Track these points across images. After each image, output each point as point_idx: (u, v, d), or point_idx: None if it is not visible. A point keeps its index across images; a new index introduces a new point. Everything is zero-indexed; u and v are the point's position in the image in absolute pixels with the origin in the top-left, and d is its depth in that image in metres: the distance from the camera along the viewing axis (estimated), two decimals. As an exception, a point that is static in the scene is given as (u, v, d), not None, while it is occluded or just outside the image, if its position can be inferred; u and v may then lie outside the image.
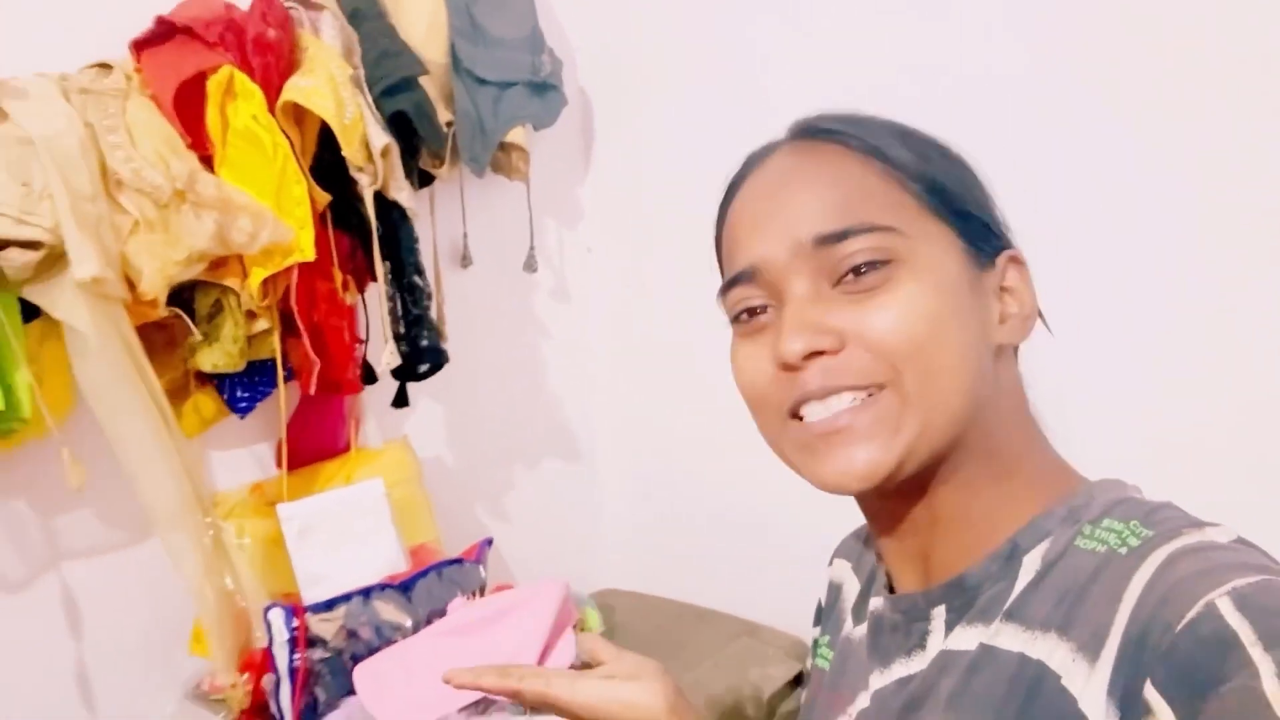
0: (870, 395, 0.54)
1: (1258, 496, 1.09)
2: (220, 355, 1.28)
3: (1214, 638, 0.43)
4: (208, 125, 1.24)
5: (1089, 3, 1.23)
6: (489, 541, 1.47)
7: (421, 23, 1.50)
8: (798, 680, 1.32)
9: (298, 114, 1.31)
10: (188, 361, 1.31)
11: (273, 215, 1.24)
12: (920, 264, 0.55)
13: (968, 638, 0.54)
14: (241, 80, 1.24)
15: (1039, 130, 1.27)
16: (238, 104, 1.24)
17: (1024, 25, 1.29)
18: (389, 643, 1.26)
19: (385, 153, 1.36)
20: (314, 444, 1.49)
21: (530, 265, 1.78)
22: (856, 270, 0.55)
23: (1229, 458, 1.16)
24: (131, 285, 1.16)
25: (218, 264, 1.25)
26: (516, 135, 1.62)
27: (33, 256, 1.08)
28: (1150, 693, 0.44)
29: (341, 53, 1.38)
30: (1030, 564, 0.54)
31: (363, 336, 1.48)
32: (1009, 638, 0.52)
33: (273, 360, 1.34)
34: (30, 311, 1.15)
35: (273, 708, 1.25)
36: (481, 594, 1.37)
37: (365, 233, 1.39)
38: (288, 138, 1.27)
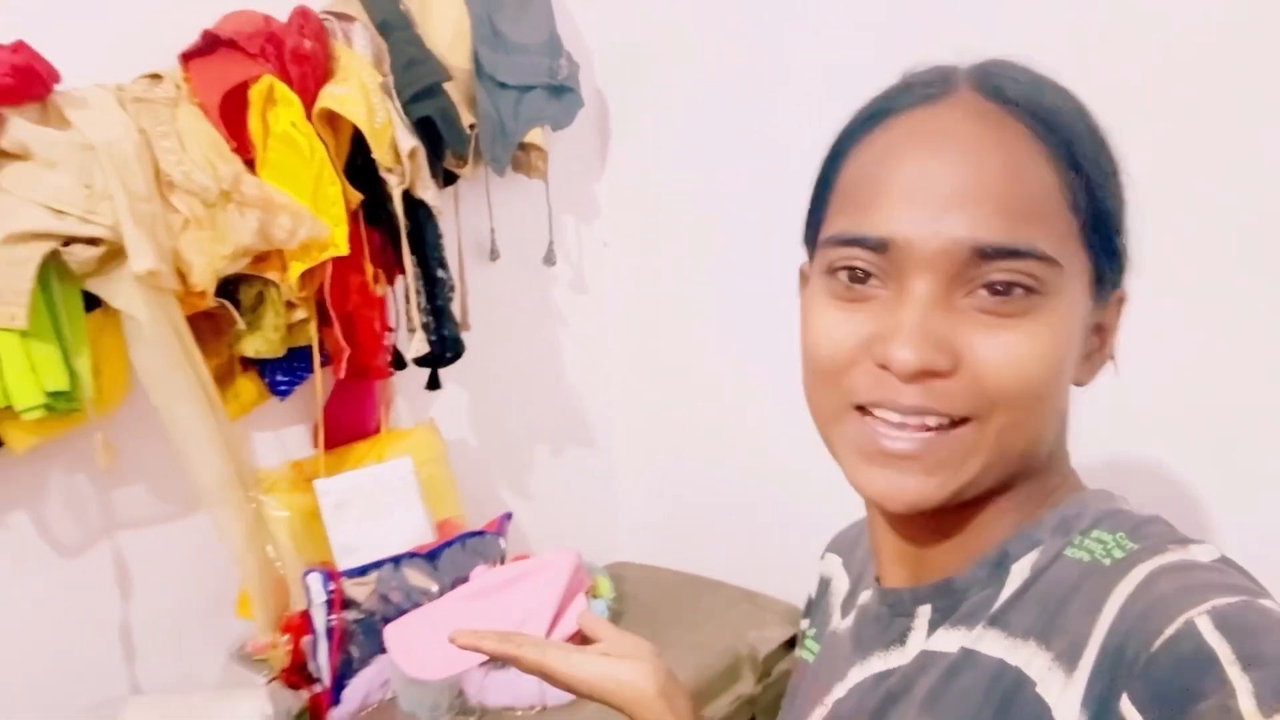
0: (951, 426, 0.51)
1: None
2: (262, 342, 1.38)
3: (1192, 655, 0.42)
4: (250, 131, 1.33)
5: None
6: (509, 516, 1.57)
7: (446, 32, 1.58)
8: (792, 642, 1.41)
9: (332, 119, 1.40)
10: (233, 348, 1.40)
11: (310, 213, 1.34)
12: (1061, 303, 0.50)
13: (950, 640, 0.54)
14: (281, 89, 1.34)
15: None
16: (277, 111, 1.34)
17: (1034, 25, 1.31)
18: (417, 605, 1.36)
19: (412, 155, 1.45)
20: (348, 425, 1.58)
21: (549, 259, 1.87)
22: (994, 287, 0.49)
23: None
24: (182, 278, 1.25)
25: (260, 258, 1.33)
26: (535, 136, 1.71)
27: (95, 252, 1.18)
28: (1126, 707, 0.43)
29: (372, 62, 1.47)
30: (1019, 572, 0.53)
31: (392, 325, 1.59)
32: (991, 643, 0.51)
33: (310, 347, 1.43)
34: (89, 304, 1.24)
35: (311, 666, 1.35)
36: (502, 563, 1.47)
37: (394, 229, 1.48)
38: (323, 142, 1.37)
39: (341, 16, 1.49)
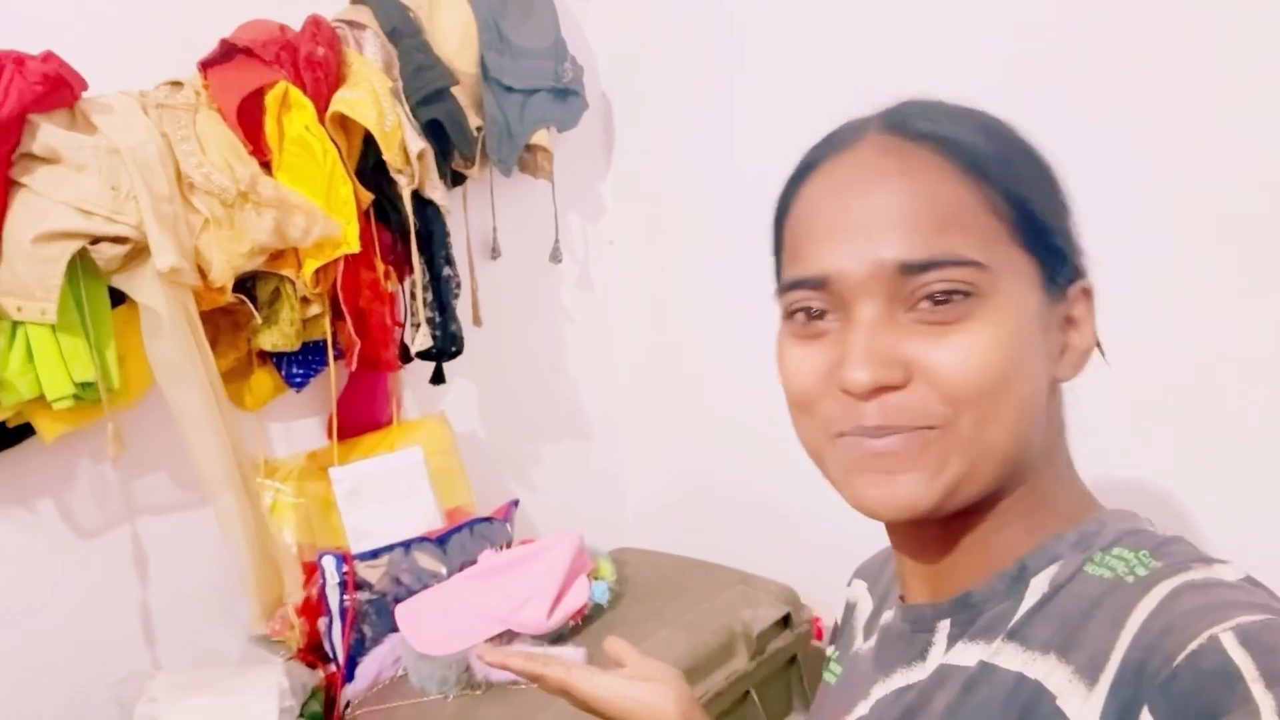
0: (932, 431, 0.52)
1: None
2: (278, 336, 1.43)
3: (1216, 671, 0.43)
4: (266, 134, 1.38)
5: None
6: (515, 502, 1.63)
7: (454, 38, 1.64)
8: (785, 621, 1.46)
9: (344, 123, 1.45)
10: (250, 342, 1.46)
11: (323, 213, 1.39)
12: (1001, 301, 0.52)
13: (969, 654, 0.54)
14: (295, 94, 1.39)
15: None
16: (292, 115, 1.39)
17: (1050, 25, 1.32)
18: (426, 587, 1.42)
19: (421, 156, 1.51)
20: (361, 417, 1.64)
21: (555, 257, 1.92)
22: (934, 298, 0.52)
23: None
24: (203, 274, 1.31)
25: (276, 256, 1.39)
26: (541, 137, 1.76)
27: (121, 250, 1.24)
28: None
29: (382, 67, 1.53)
30: (1038, 586, 0.53)
31: (401, 320, 1.64)
32: (1009, 657, 0.52)
33: (324, 341, 1.49)
34: (115, 299, 1.29)
35: (326, 646, 1.41)
36: (508, 547, 1.53)
37: (404, 228, 1.53)
38: (336, 144, 1.43)
39: (353, 24, 1.55)
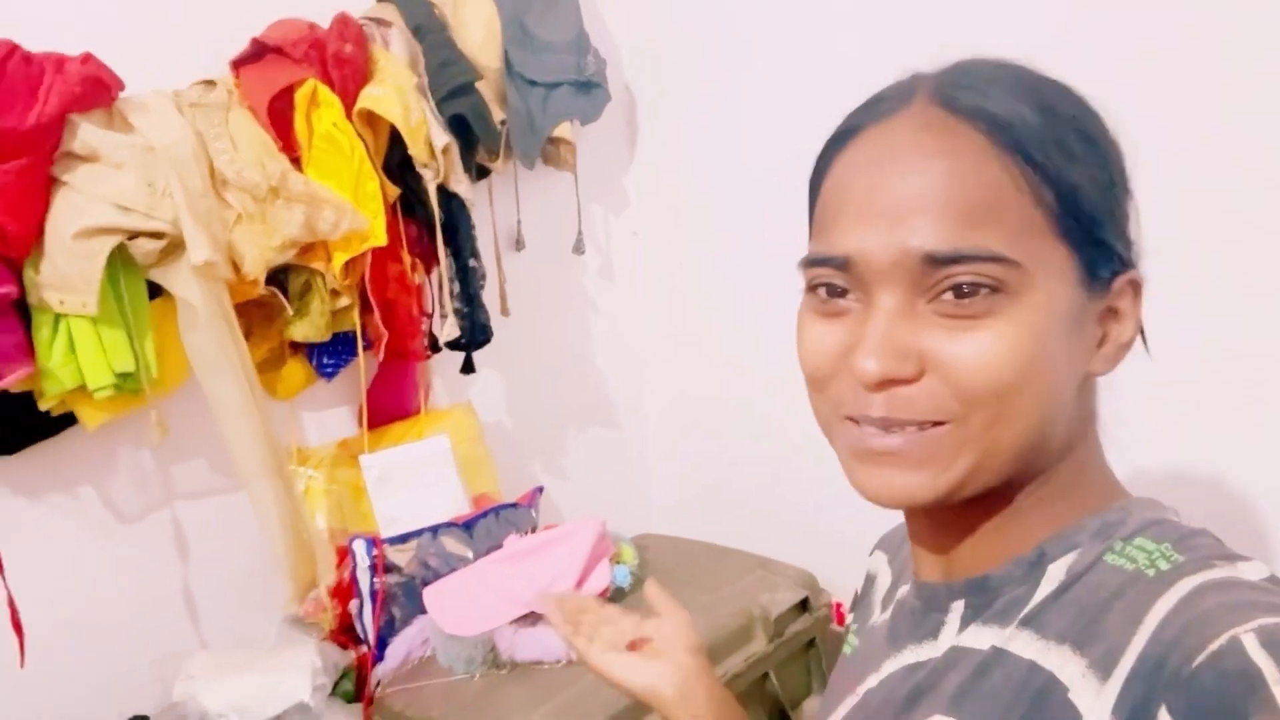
0: (932, 426, 0.51)
1: None
2: (309, 327, 1.47)
3: (1237, 673, 0.42)
4: (296, 131, 1.42)
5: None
6: (540, 489, 1.66)
7: (478, 33, 1.66)
8: (804, 605, 1.48)
9: (371, 119, 1.48)
10: (283, 334, 1.50)
11: (351, 207, 1.42)
12: (1031, 299, 0.49)
13: (981, 637, 0.53)
14: (324, 91, 1.43)
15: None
16: (320, 112, 1.43)
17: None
18: (453, 570, 1.46)
19: (446, 150, 1.53)
20: (390, 406, 1.68)
21: (579, 248, 1.95)
22: (959, 291, 0.49)
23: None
24: (236, 268, 1.35)
25: (306, 249, 1.43)
26: (564, 130, 1.78)
27: (157, 245, 1.28)
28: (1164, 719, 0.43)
29: (408, 63, 1.55)
30: (1055, 573, 0.52)
31: (428, 311, 1.68)
32: (1023, 644, 0.51)
33: (353, 332, 1.53)
34: (152, 293, 1.34)
35: (357, 627, 1.46)
36: (532, 532, 1.56)
37: (430, 221, 1.56)
38: (363, 140, 1.46)
39: (379, 22, 1.58)
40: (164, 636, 1.49)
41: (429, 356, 1.67)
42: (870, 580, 0.71)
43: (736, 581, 1.47)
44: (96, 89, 1.25)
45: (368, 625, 1.42)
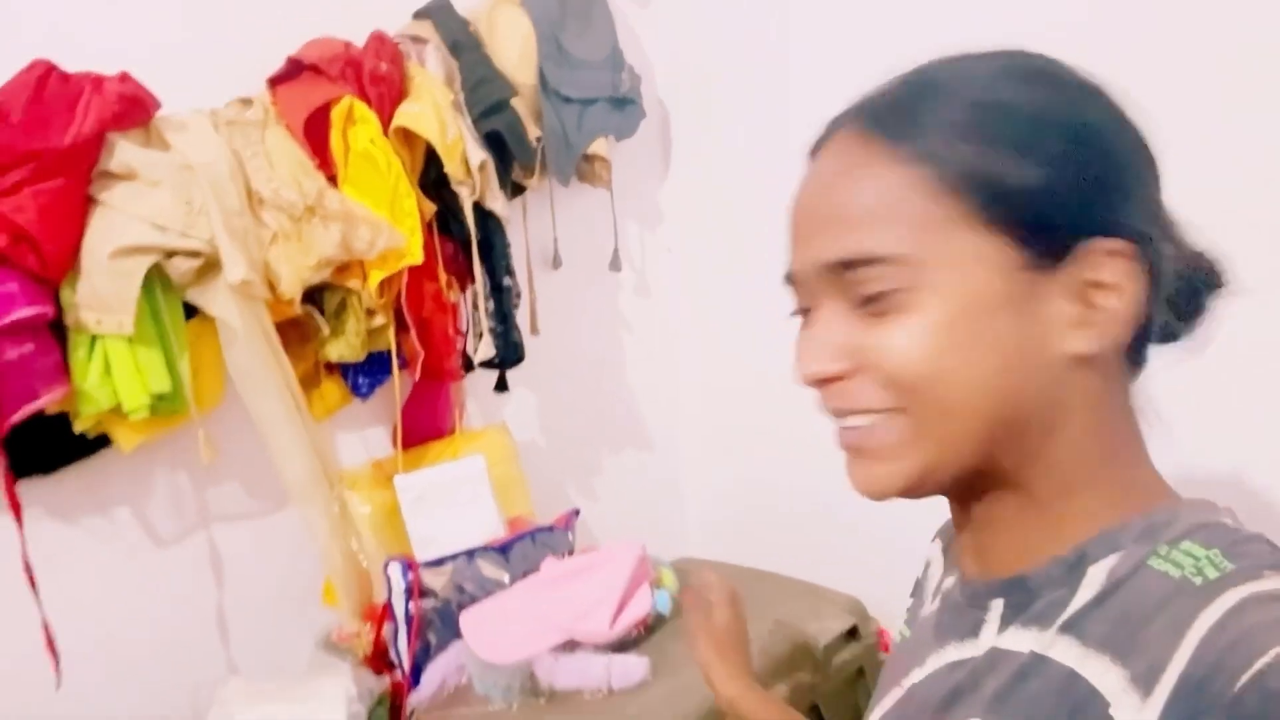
0: (883, 416, 0.53)
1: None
2: (344, 347, 1.46)
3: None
4: (332, 149, 1.41)
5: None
6: (576, 512, 1.63)
7: (513, 50, 1.65)
8: (852, 633, 1.44)
9: (407, 136, 1.47)
10: (318, 353, 1.48)
11: (388, 225, 1.41)
12: (942, 291, 0.50)
13: (1022, 640, 0.53)
14: (360, 108, 1.42)
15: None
16: (357, 129, 1.42)
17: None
18: (489, 595, 1.43)
19: (482, 167, 1.52)
20: (424, 426, 1.66)
21: (615, 265, 1.92)
22: (868, 296, 0.52)
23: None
24: (272, 287, 1.34)
25: (342, 268, 1.41)
26: (599, 146, 1.76)
27: (194, 264, 1.27)
28: None
29: (444, 81, 1.55)
30: (1095, 576, 0.51)
31: (463, 330, 1.66)
32: (1063, 650, 0.50)
33: (388, 351, 1.51)
34: (188, 313, 1.33)
35: (391, 653, 1.43)
36: (569, 556, 1.53)
37: (466, 239, 1.55)
38: (399, 157, 1.45)
39: (415, 39, 1.57)
40: (198, 659, 1.48)
41: (464, 376, 1.65)
42: (926, 568, 0.71)
43: (781, 608, 1.43)
44: (134, 107, 1.25)
45: (402, 651, 1.40)
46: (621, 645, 1.37)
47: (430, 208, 1.51)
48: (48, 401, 1.21)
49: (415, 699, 1.36)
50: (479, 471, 1.57)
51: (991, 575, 0.57)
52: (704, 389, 2.08)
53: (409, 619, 1.38)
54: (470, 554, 1.46)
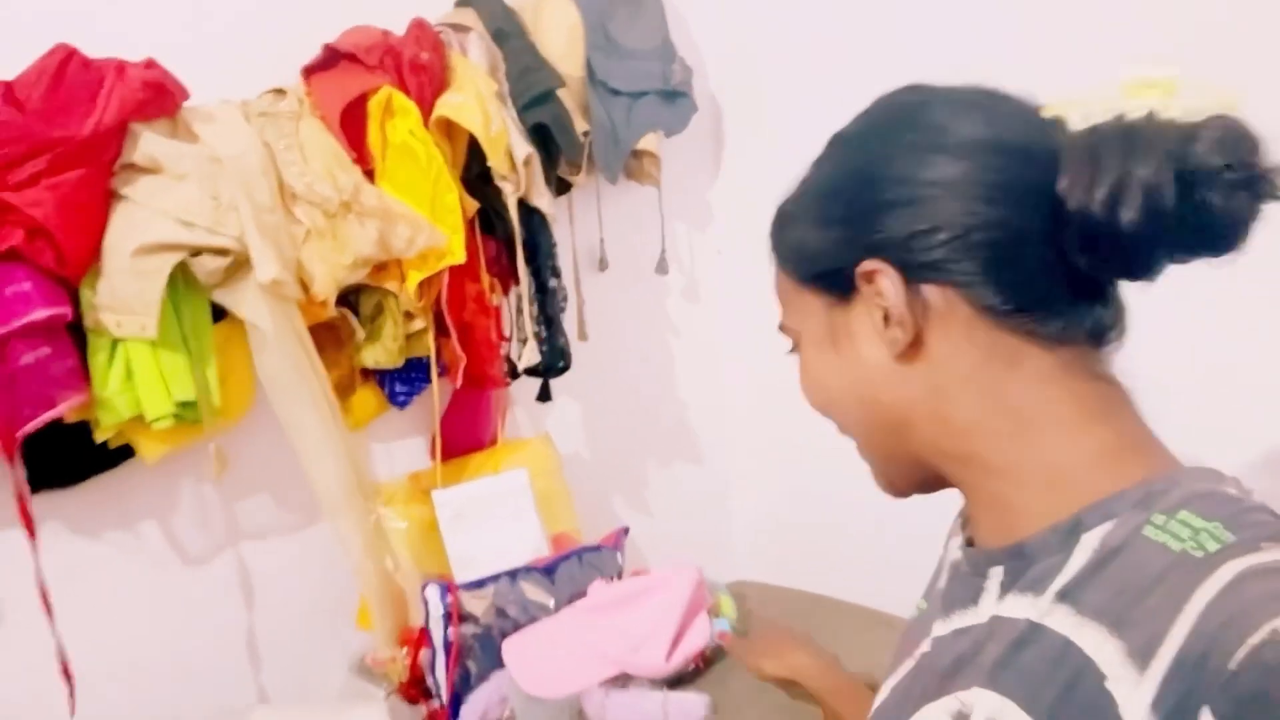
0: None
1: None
2: (381, 352, 1.39)
3: (1278, 666, 0.41)
4: (369, 141, 1.34)
5: None
6: (625, 530, 1.53)
7: (560, 39, 1.57)
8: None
9: (448, 128, 1.40)
10: (353, 359, 1.41)
11: (428, 222, 1.33)
12: (805, 339, 0.64)
13: (1019, 606, 0.54)
14: (399, 99, 1.34)
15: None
16: (396, 121, 1.34)
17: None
18: (534, 620, 1.33)
19: (528, 162, 1.44)
20: (464, 437, 1.58)
21: (662, 268, 1.84)
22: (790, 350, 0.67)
23: None
24: (305, 287, 1.26)
25: (379, 268, 1.34)
26: (649, 142, 1.68)
27: (222, 262, 1.19)
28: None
29: (487, 70, 1.47)
30: (1088, 543, 0.52)
31: (507, 335, 1.57)
32: (1059, 619, 0.51)
33: (428, 357, 1.44)
34: (216, 315, 1.25)
35: (429, 680, 1.34)
36: (619, 578, 1.43)
37: (509, 238, 1.47)
38: (440, 150, 1.37)
39: (457, 27, 1.50)
40: (223, 683, 1.41)
41: (508, 383, 1.57)
42: (946, 542, 0.73)
43: (854, 640, 1.32)
44: (160, 96, 1.17)
45: (440, 680, 1.30)
46: (678, 680, 1.27)
47: (472, 205, 1.43)
48: (65, 409, 1.13)
49: (454, 732, 1.27)
50: (522, 486, 1.48)
51: (993, 544, 0.58)
52: (756, 398, 1.99)
53: (447, 646, 1.29)
54: (513, 575, 1.37)
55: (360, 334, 1.38)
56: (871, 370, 0.59)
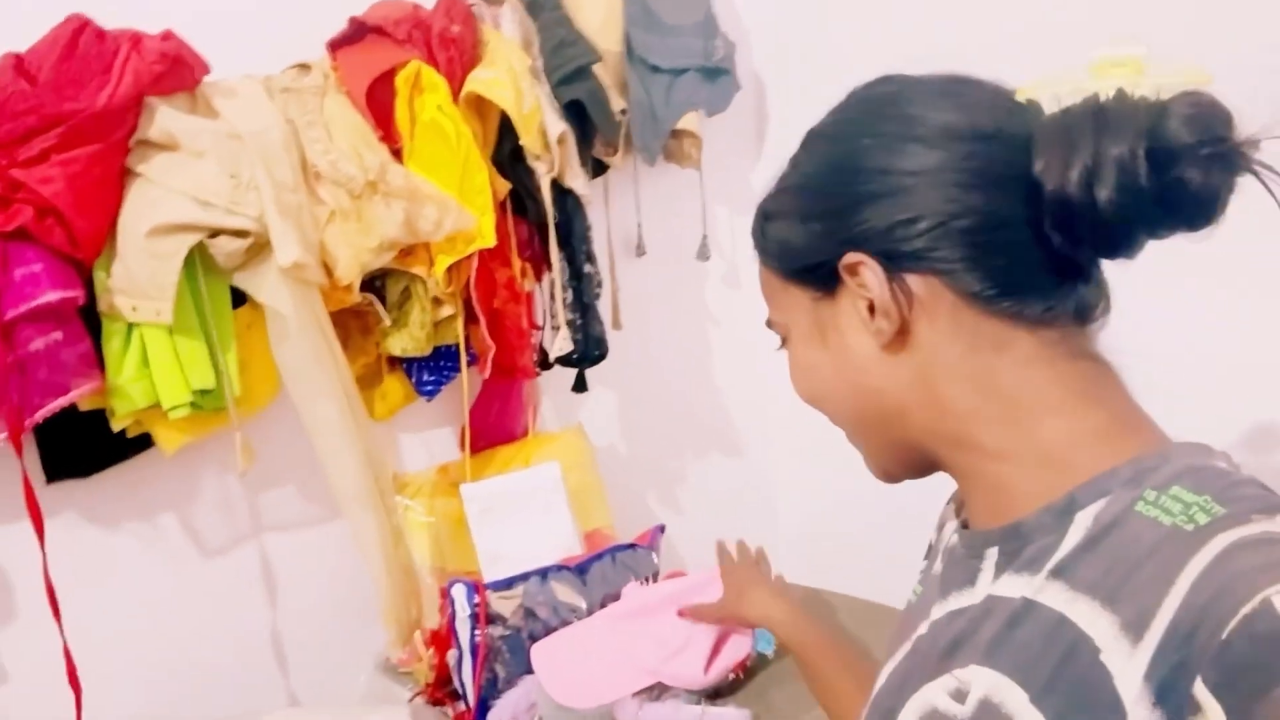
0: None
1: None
2: (408, 340, 1.34)
3: (1269, 635, 0.42)
4: (396, 118, 1.29)
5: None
6: (661, 528, 1.47)
7: (597, 12, 1.52)
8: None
9: (479, 106, 1.35)
10: (379, 347, 1.37)
11: (456, 204, 1.28)
12: (793, 334, 0.64)
13: (1014, 586, 0.54)
14: (428, 74, 1.29)
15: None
16: (424, 97, 1.29)
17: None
18: (565, 623, 1.27)
19: (561, 140, 1.38)
20: (495, 428, 1.53)
21: (703, 254, 1.77)
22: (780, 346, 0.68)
23: None
24: (328, 271, 1.22)
25: (406, 252, 1.29)
26: (689, 122, 1.62)
27: (241, 244, 1.15)
28: (1201, 692, 0.43)
29: (520, 44, 1.41)
30: (1082, 521, 0.52)
31: (539, 323, 1.51)
32: (1053, 595, 0.52)
33: (456, 345, 1.39)
34: (237, 300, 1.22)
35: (455, 683, 1.29)
36: (654, 580, 1.37)
37: (542, 221, 1.41)
38: (470, 128, 1.31)
39: (490, 0, 1.43)
40: (244, 683, 1.37)
41: (539, 373, 1.51)
42: (939, 528, 0.73)
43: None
44: (177, 69, 1.13)
45: (467, 683, 1.25)
46: (717, 692, 1.21)
47: (504, 185, 1.38)
48: (78, 396, 1.09)
49: (481, 739, 1.22)
50: (553, 480, 1.42)
51: (989, 524, 0.59)
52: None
53: (474, 648, 1.23)
54: (543, 574, 1.31)
55: (386, 321, 1.33)
56: (860, 361, 0.60)
